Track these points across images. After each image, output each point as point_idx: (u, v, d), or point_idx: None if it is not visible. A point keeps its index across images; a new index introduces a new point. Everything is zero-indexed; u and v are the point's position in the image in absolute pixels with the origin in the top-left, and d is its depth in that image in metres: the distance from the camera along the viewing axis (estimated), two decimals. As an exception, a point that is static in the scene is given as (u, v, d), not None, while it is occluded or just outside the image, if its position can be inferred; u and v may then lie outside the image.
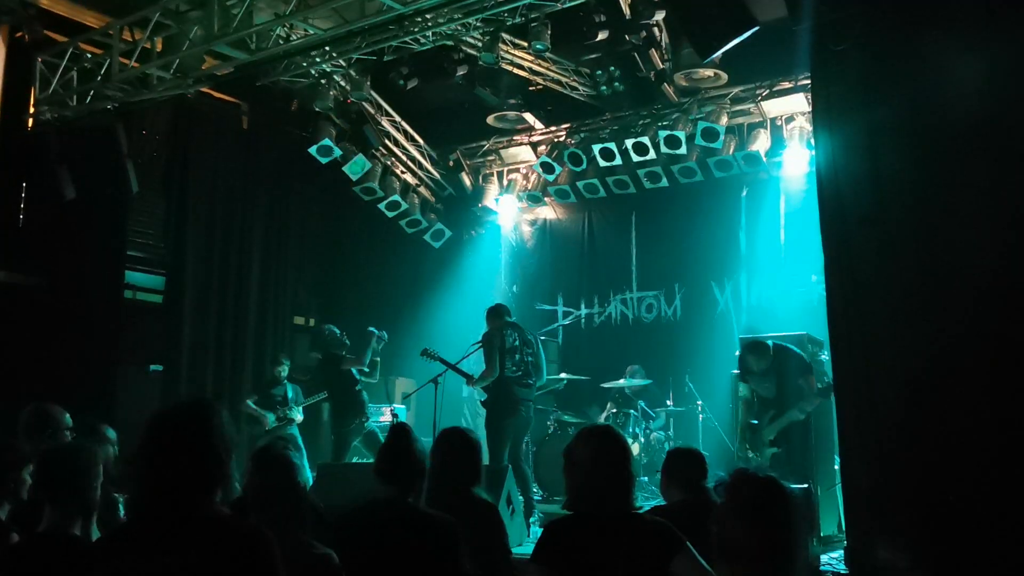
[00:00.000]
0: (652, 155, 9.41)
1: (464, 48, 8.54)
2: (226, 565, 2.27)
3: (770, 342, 7.01)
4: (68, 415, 4.91)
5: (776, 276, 9.52)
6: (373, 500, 3.54)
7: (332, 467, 7.79)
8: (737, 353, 7.52)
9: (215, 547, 2.28)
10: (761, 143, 9.11)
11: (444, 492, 3.89)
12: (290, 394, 9.25)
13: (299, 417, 9.25)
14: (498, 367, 7.64)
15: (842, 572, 5.64)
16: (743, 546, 2.29)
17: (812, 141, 8.23)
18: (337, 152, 9.91)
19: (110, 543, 2.46)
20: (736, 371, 8.01)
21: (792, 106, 9.06)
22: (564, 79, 9.43)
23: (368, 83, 9.24)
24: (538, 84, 9.51)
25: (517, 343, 7.83)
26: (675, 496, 4.23)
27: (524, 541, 6.59)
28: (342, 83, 9.51)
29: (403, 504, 3.50)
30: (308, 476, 7.67)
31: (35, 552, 3.13)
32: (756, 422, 7.05)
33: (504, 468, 6.94)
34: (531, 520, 7.30)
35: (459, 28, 7.94)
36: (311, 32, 7.67)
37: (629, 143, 9.38)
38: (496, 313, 7.99)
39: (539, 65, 9.21)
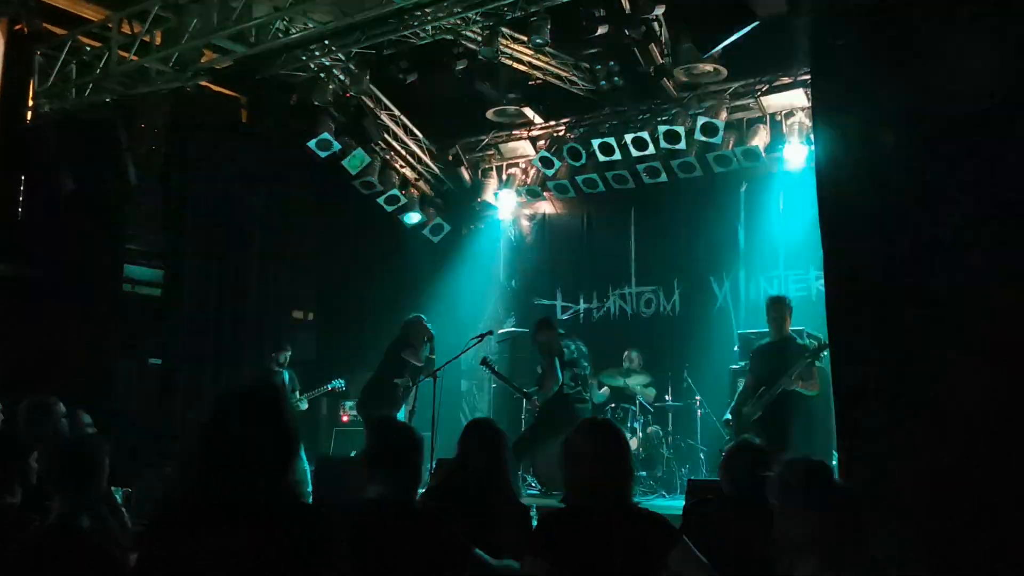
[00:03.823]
0: (651, 150, 9.40)
1: (463, 42, 8.54)
2: (297, 547, 2.24)
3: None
4: (61, 404, 4.94)
5: (775, 272, 9.53)
6: (369, 499, 3.46)
7: (330, 460, 7.82)
8: (743, 333, 7.61)
9: (286, 531, 2.25)
10: (760, 138, 9.10)
11: (476, 488, 3.81)
12: (287, 382, 9.24)
13: (303, 407, 9.30)
14: (560, 379, 7.65)
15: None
16: (798, 535, 2.15)
17: (811, 136, 8.25)
18: (336, 146, 9.90)
19: (176, 519, 2.37)
20: (734, 366, 8.06)
21: (791, 101, 9.04)
22: (563, 74, 9.42)
23: (367, 77, 9.23)
24: (537, 79, 9.50)
25: (575, 355, 7.83)
26: (730, 488, 4.12)
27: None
28: (341, 77, 9.50)
29: (400, 502, 3.40)
30: (306, 467, 7.74)
31: (46, 543, 3.13)
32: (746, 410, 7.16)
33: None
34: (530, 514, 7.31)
35: (458, 22, 7.94)
36: (310, 26, 7.65)
37: (628, 138, 9.37)
38: (549, 324, 8.03)
39: (538, 59, 9.20)
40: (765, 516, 3.83)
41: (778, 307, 7.30)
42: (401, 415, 8.53)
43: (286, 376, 9.27)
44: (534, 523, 6.88)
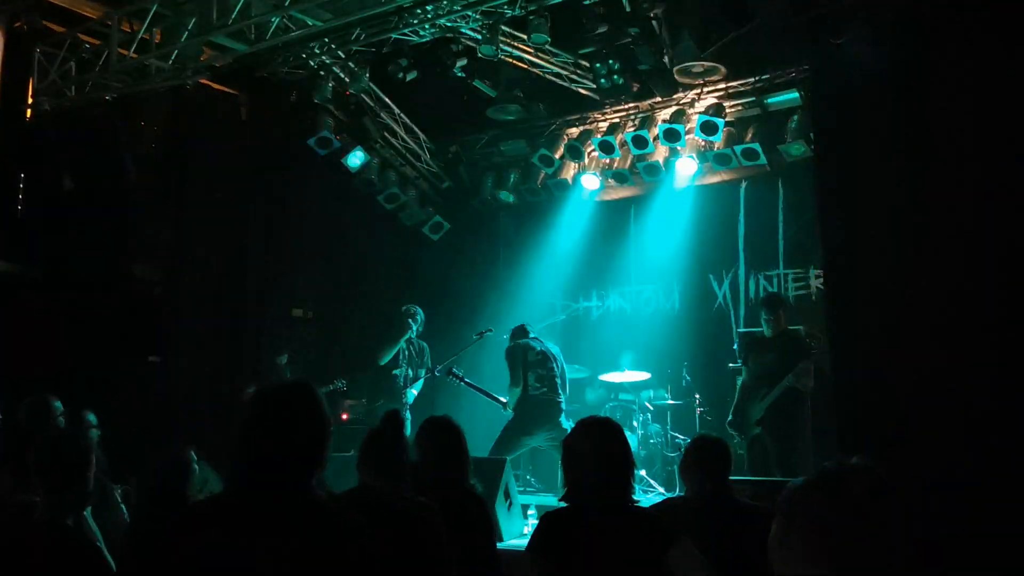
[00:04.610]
0: (651, 148, 9.40)
1: (463, 40, 8.53)
2: (327, 551, 2.24)
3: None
4: (59, 402, 4.94)
5: (774, 271, 9.54)
6: (355, 489, 3.48)
7: (330, 458, 7.82)
8: (742, 331, 7.64)
9: (318, 532, 2.26)
10: (759, 136, 9.09)
11: (432, 485, 3.82)
12: (286, 378, 9.24)
13: None
14: (522, 381, 7.69)
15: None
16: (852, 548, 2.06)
17: (811, 134, 8.25)
18: (336, 144, 9.90)
19: (206, 516, 2.38)
20: (734, 364, 8.08)
21: (791, 99, 9.04)
22: (563, 72, 9.42)
23: (367, 75, 9.23)
24: (537, 76, 9.49)
25: (539, 357, 7.87)
26: (695, 485, 4.16)
27: (521, 533, 6.61)
28: (341, 75, 9.49)
29: (385, 494, 3.40)
30: None
31: (29, 540, 3.12)
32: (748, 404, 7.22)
33: (502, 460, 6.96)
34: (529, 512, 7.33)
35: (458, 20, 7.93)
36: (309, 23, 7.65)
37: (628, 136, 9.37)
38: (513, 333, 8.08)
39: (538, 58, 9.19)
40: (730, 514, 3.85)
41: (770, 306, 7.35)
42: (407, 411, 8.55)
43: (286, 374, 9.28)
44: (532, 519, 6.95)
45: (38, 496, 3.37)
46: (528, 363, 7.79)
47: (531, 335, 8.09)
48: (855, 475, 2.12)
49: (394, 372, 8.50)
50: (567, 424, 7.77)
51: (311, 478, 2.36)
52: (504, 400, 7.93)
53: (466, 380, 8.20)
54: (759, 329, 7.65)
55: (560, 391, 7.86)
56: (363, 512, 3.26)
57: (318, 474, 2.40)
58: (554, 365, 7.93)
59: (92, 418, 5.55)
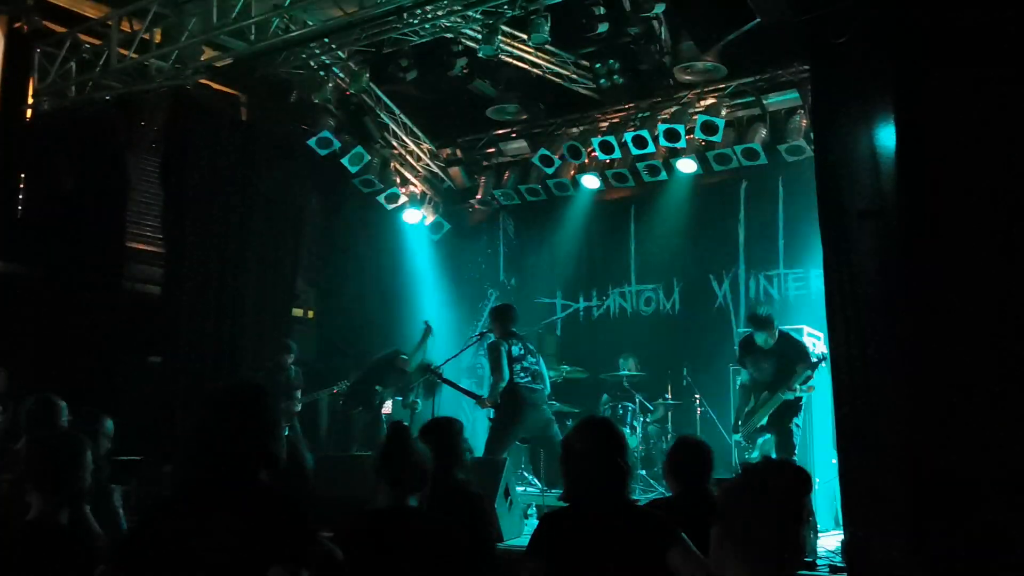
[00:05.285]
0: (651, 148, 9.39)
1: (463, 40, 8.53)
2: (273, 528, 2.48)
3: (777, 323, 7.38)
4: (65, 404, 4.94)
5: (774, 271, 9.54)
6: (378, 507, 3.42)
7: (331, 458, 7.83)
8: (742, 331, 7.66)
9: (266, 512, 2.51)
10: (760, 136, 9.09)
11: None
12: (292, 379, 9.23)
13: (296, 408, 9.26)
14: (507, 373, 7.74)
15: (839, 565, 5.67)
16: (764, 538, 2.12)
17: (811, 134, 8.25)
18: (336, 144, 9.89)
19: (171, 506, 2.67)
20: (734, 365, 8.09)
21: (791, 99, 9.04)
22: (563, 72, 9.41)
23: (367, 75, 9.22)
24: (537, 77, 9.49)
25: (522, 351, 7.93)
26: (677, 486, 4.20)
27: (521, 533, 6.61)
28: (341, 75, 9.50)
29: (408, 510, 3.35)
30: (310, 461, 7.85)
31: (22, 540, 3.12)
32: (750, 407, 7.21)
33: (502, 460, 6.96)
34: (528, 512, 7.33)
35: (458, 20, 7.93)
36: (310, 23, 7.65)
37: (628, 136, 9.36)
38: (503, 317, 8.08)
39: (538, 58, 9.19)
40: (710, 514, 3.85)
41: (757, 325, 7.36)
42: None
43: (292, 373, 9.25)
44: (533, 519, 6.95)
45: (33, 496, 3.37)
46: (512, 357, 7.86)
47: (513, 328, 8.13)
48: (775, 472, 2.24)
49: (376, 387, 8.60)
50: (551, 413, 7.95)
51: (261, 466, 2.60)
52: (483, 396, 7.98)
53: (443, 377, 8.29)
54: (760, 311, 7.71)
55: (542, 382, 7.96)
56: (387, 531, 3.27)
57: (266, 462, 2.62)
58: (534, 359, 8.02)
59: (110, 425, 5.40)
